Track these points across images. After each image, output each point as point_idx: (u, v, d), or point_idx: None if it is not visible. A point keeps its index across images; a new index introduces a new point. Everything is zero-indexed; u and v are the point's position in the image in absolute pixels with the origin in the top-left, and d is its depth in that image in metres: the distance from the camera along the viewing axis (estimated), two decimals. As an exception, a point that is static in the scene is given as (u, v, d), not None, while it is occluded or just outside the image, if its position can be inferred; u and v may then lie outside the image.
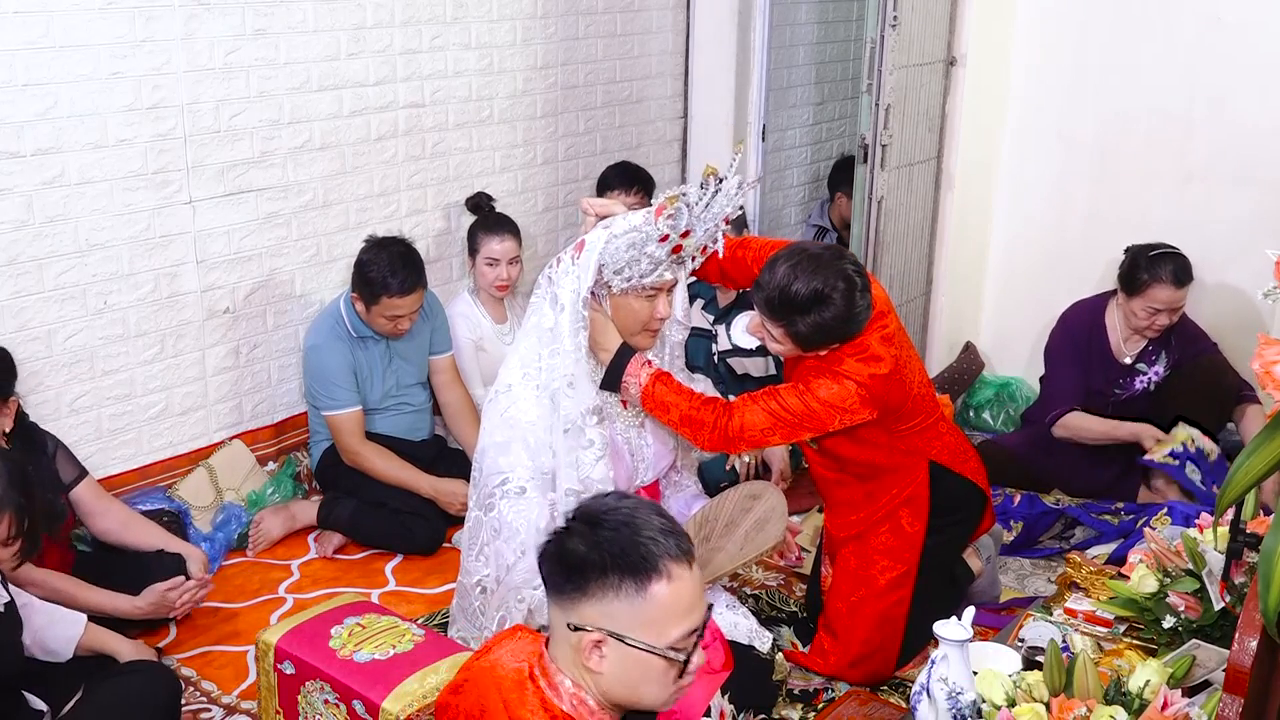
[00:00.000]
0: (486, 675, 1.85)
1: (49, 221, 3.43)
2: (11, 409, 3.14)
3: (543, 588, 1.82)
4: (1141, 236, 4.08)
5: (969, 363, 4.89)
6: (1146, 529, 2.78)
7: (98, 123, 3.47)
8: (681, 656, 1.74)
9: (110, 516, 3.36)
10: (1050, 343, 4.14)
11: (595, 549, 1.72)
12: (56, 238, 3.45)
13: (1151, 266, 3.85)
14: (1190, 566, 2.47)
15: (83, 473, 3.34)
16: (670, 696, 1.78)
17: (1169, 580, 2.49)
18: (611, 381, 2.63)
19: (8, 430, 3.12)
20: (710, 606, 1.81)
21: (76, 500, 3.30)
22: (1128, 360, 4.00)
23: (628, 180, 4.57)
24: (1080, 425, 3.96)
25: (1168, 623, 2.44)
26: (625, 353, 2.62)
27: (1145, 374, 4.00)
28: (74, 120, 3.41)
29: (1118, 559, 3.42)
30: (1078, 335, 4.05)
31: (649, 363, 2.65)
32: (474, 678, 1.88)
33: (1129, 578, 2.57)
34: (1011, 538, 3.84)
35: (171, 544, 3.39)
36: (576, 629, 1.73)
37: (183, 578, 3.26)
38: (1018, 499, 3.96)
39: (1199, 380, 3.95)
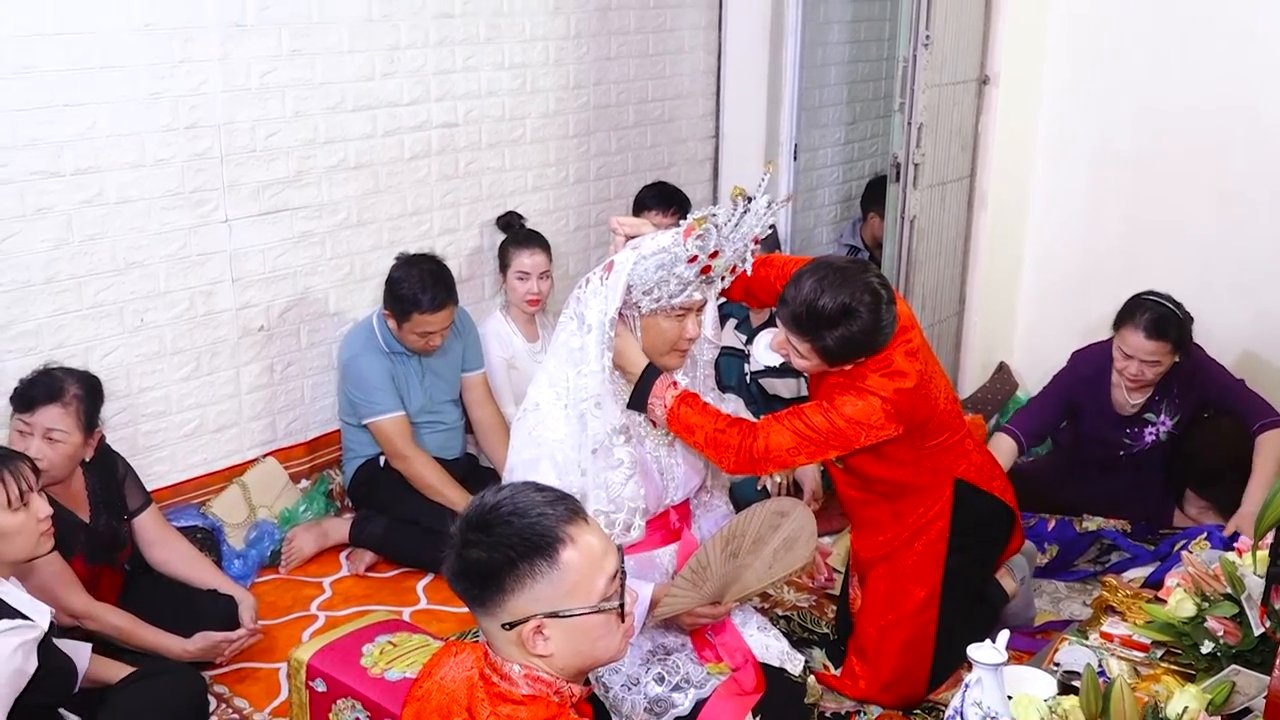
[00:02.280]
0: (438, 693, 1.86)
1: (88, 240, 3.46)
2: (95, 440, 3.16)
3: None
4: (1177, 257, 4.04)
5: (1002, 383, 4.86)
6: (1184, 552, 2.74)
7: (136, 142, 3.50)
8: (615, 604, 1.81)
9: (169, 548, 3.37)
10: (1055, 376, 4.07)
11: (496, 549, 1.76)
12: (95, 256, 3.49)
13: (1132, 309, 3.76)
14: (1229, 590, 2.44)
15: (148, 500, 3.36)
16: (624, 643, 1.85)
17: (1207, 604, 2.46)
18: (638, 402, 2.62)
19: (88, 460, 3.15)
20: (620, 550, 1.86)
21: (138, 528, 3.32)
22: (1132, 410, 3.90)
23: (664, 201, 4.58)
24: (997, 445, 3.87)
25: (1206, 648, 2.40)
26: (651, 373, 2.61)
27: (1154, 424, 3.89)
28: (113, 140, 3.45)
29: (1155, 582, 3.38)
30: (1078, 379, 3.96)
31: (675, 384, 2.63)
32: (423, 699, 1.88)
33: (1166, 601, 2.53)
34: (1047, 560, 3.80)
35: (225, 585, 3.40)
36: (512, 625, 1.77)
37: (237, 632, 3.26)
38: (1052, 523, 3.91)
39: (1222, 452, 3.81)
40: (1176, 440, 3.90)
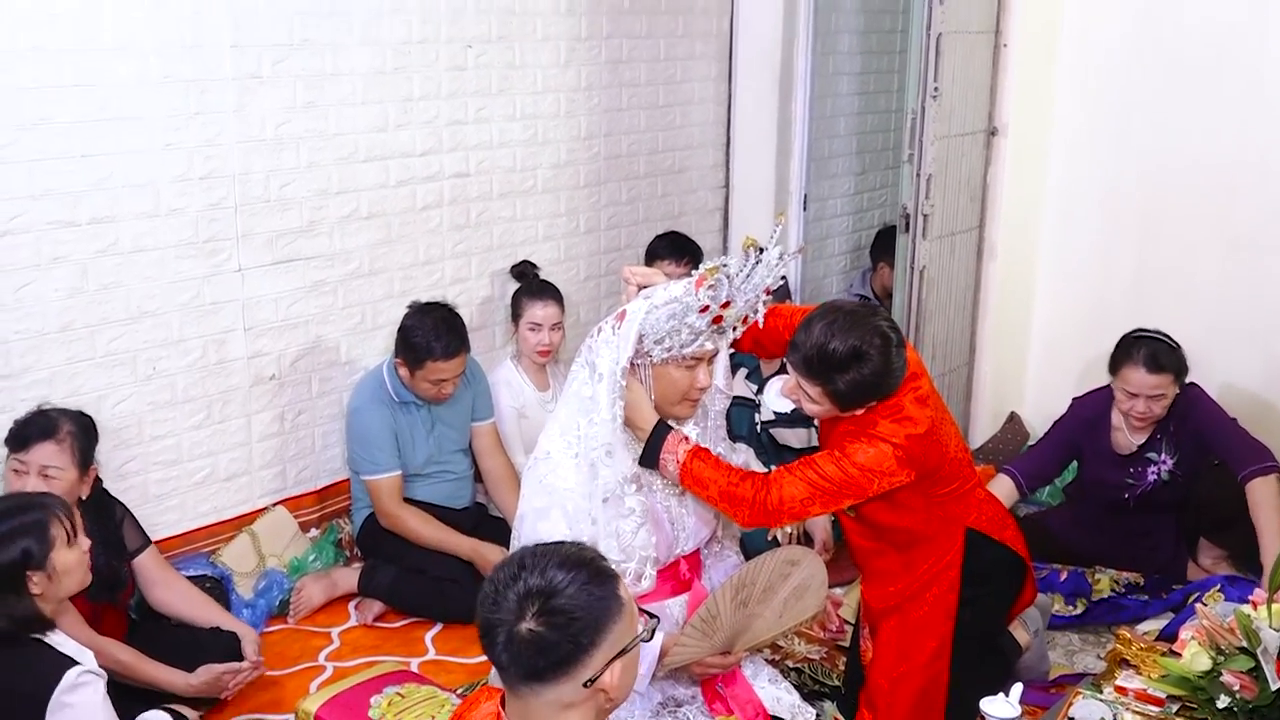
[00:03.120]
0: None
1: (102, 289, 3.49)
2: (90, 478, 3.19)
3: None
4: (1186, 305, 4.04)
5: (1013, 434, 4.84)
6: (1198, 605, 2.72)
7: (151, 192, 3.54)
8: (652, 622, 1.92)
9: (170, 588, 3.40)
10: (1056, 422, 4.08)
11: (580, 611, 1.77)
12: (109, 305, 3.51)
13: (1127, 348, 3.79)
14: (1244, 644, 2.41)
15: (147, 542, 3.39)
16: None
17: (1223, 658, 2.43)
18: (649, 458, 2.62)
19: (84, 497, 3.16)
20: None
21: (139, 569, 3.34)
22: (1133, 449, 3.89)
23: (676, 251, 4.60)
24: (992, 487, 3.79)
25: (1222, 702, 2.37)
26: (662, 430, 2.61)
27: (1155, 463, 3.88)
28: (128, 190, 3.49)
29: (1169, 635, 3.35)
30: (1078, 422, 3.98)
31: (686, 439, 2.63)
32: None
33: (1181, 655, 2.51)
34: (1074, 612, 3.77)
35: (227, 621, 3.41)
36: (594, 679, 1.78)
37: (240, 663, 3.27)
38: (1064, 574, 3.89)
39: (1233, 498, 3.73)
40: (1183, 485, 3.88)
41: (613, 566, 1.87)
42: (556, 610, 1.76)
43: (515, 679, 1.79)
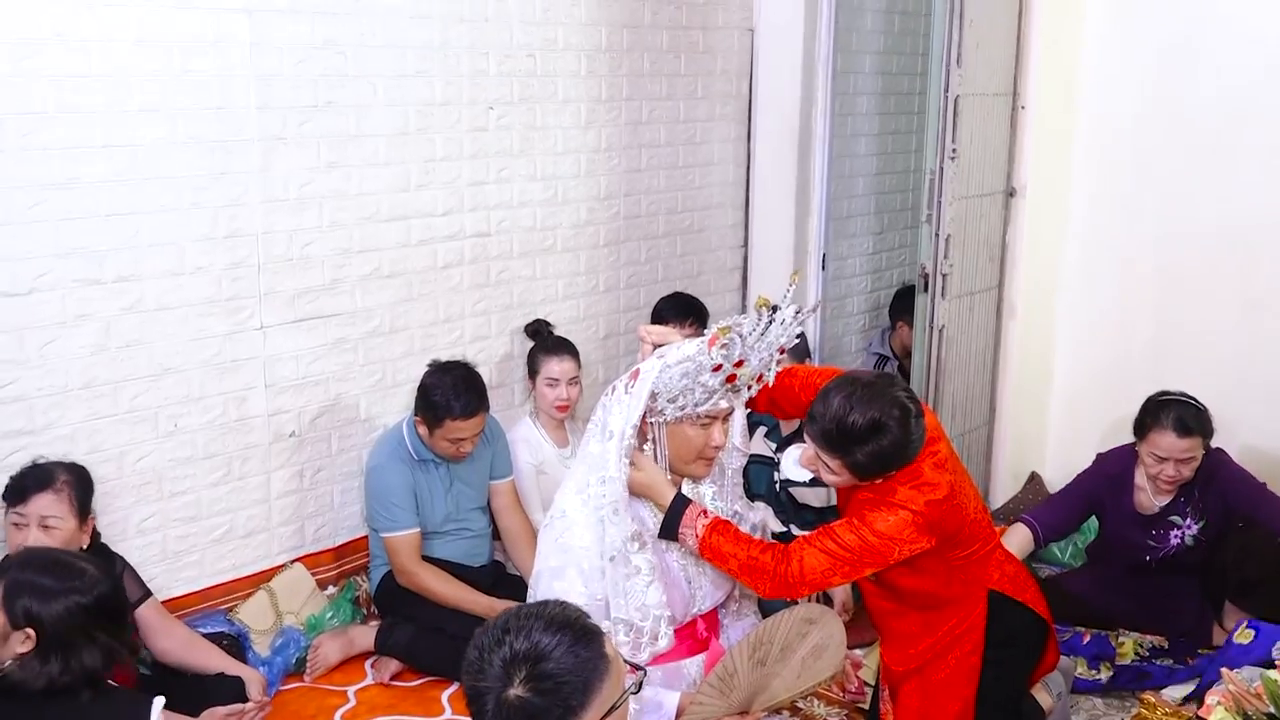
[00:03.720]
0: None
1: (125, 346, 3.52)
2: (89, 528, 3.20)
3: None
4: (1206, 365, 4.02)
5: (1034, 494, 4.80)
6: (1224, 670, 2.68)
7: (175, 251, 3.58)
8: (639, 675, 1.90)
9: (172, 637, 3.39)
10: (1078, 475, 4.05)
11: (568, 674, 1.75)
12: (132, 362, 3.54)
13: (1154, 411, 3.76)
14: (1271, 710, 2.38)
15: (147, 593, 3.39)
16: None
17: (1249, 723, 2.40)
18: (668, 532, 2.61)
19: (84, 547, 3.17)
20: None
21: (140, 619, 3.34)
22: (1156, 510, 3.86)
23: (681, 312, 4.61)
24: (1007, 538, 3.78)
25: (1249, 768, 2.33)
26: (680, 502, 2.61)
27: (1179, 527, 3.84)
28: (153, 249, 3.53)
29: (1195, 697, 3.30)
30: (1102, 478, 3.95)
31: (705, 512, 2.63)
32: None
33: (1206, 720, 2.47)
34: (1097, 677, 3.72)
35: (231, 666, 3.40)
36: None
37: (244, 705, 3.25)
38: (1087, 637, 3.84)
39: (1259, 561, 3.74)
40: (1207, 549, 3.84)
41: (605, 625, 1.86)
42: (544, 675, 1.75)
43: None
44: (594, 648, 1.80)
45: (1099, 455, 4.03)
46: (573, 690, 1.75)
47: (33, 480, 3.15)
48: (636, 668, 1.91)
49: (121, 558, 3.37)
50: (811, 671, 2.61)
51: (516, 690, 1.74)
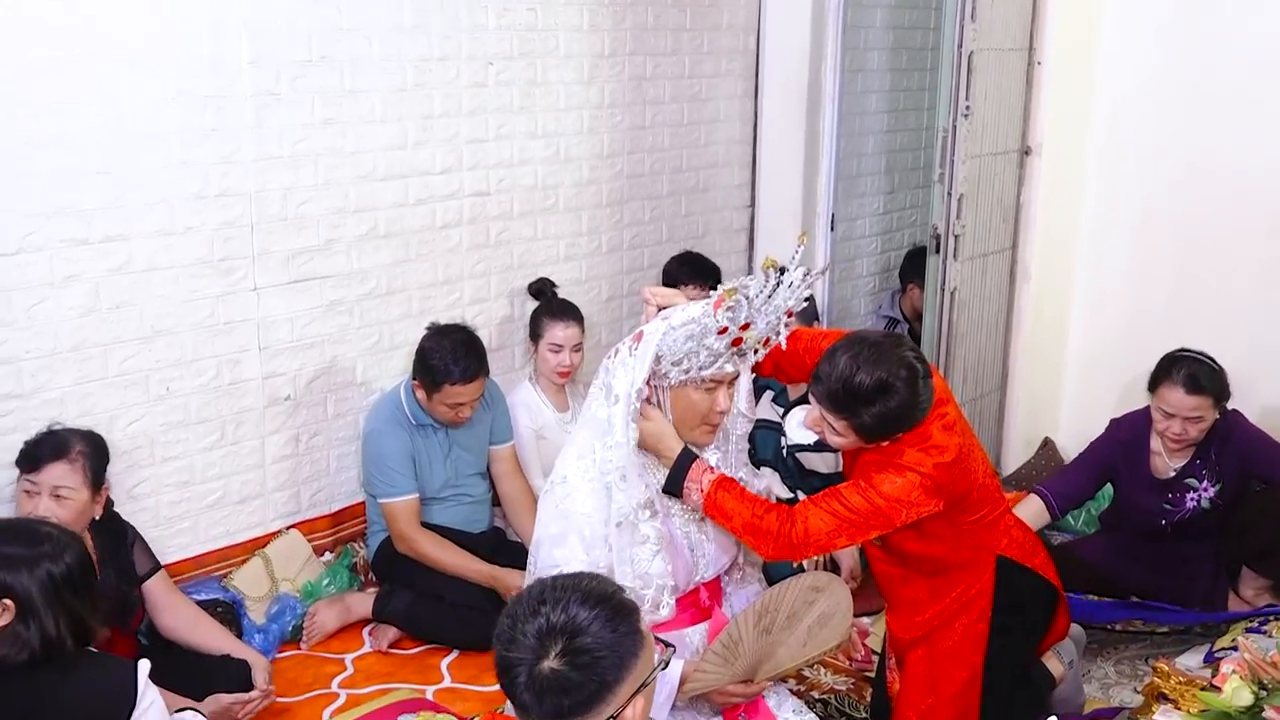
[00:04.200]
0: None
1: (115, 308, 3.51)
2: (102, 498, 3.21)
3: None
4: (1225, 327, 4.01)
5: (1047, 460, 4.81)
6: (1241, 639, 2.69)
7: (166, 210, 3.57)
8: (669, 651, 1.93)
9: (178, 614, 3.40)
10: (1093, 441, 4.06)
11: (605, 650, 1.76)
12: (122, 324, 3.53)
13: (1167, 366, 3.78)
14: (1287, 678, 2.39)
15: (157, 566, 3.40)
16: None
17: (1265, 694, 2.40)
18: (673, 486, 2.62)
19: (98, 518, 3.18)
20: None
21: (147, 593, 3.35)
22: (1171, 474, 3.87)
23: (694, 273, 4.60)
24: (1021, 509, 3.80)
25: (1263, 738, 2.34)
26: (686, 457, 2.61)
27: (1195, 490, 3.85)
28: (143, 207, 3.52)
29: (1209, 663, 3.31)
30: (1115, 443, 3.96)
31: (711, 468, 2.63)
32: None
33: (1222, 689, 2.48)
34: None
35: (237, 649, 3.41)
36: (615, 717, 1.78)
37: (250, 693, 3.26)
38: (1094, 603, 3.86)
39: (1276, 525, 3.73)
40: (1223, 513, 3.85)
41: (631, 597, 1.86)
42: (581, 650, 1.76)
43: (538, 718, 1.78)
44: (630, 623, 1.81)
45: (1112, 421, 4.03)
46: (609, 666, 1.76)
47: (48, 448, 3.14)
48: (665, 644, 1.93)
49: (133, 528, 3.37)
50: (818, 640, 2.63)
51: (551, 663, 1.75)
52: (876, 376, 2.61)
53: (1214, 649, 3.48)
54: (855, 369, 2.62)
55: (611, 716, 1.77)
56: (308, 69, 3.80)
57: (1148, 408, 3.88)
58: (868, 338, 2.72)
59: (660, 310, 2.65)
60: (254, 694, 3.27)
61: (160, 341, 3.63)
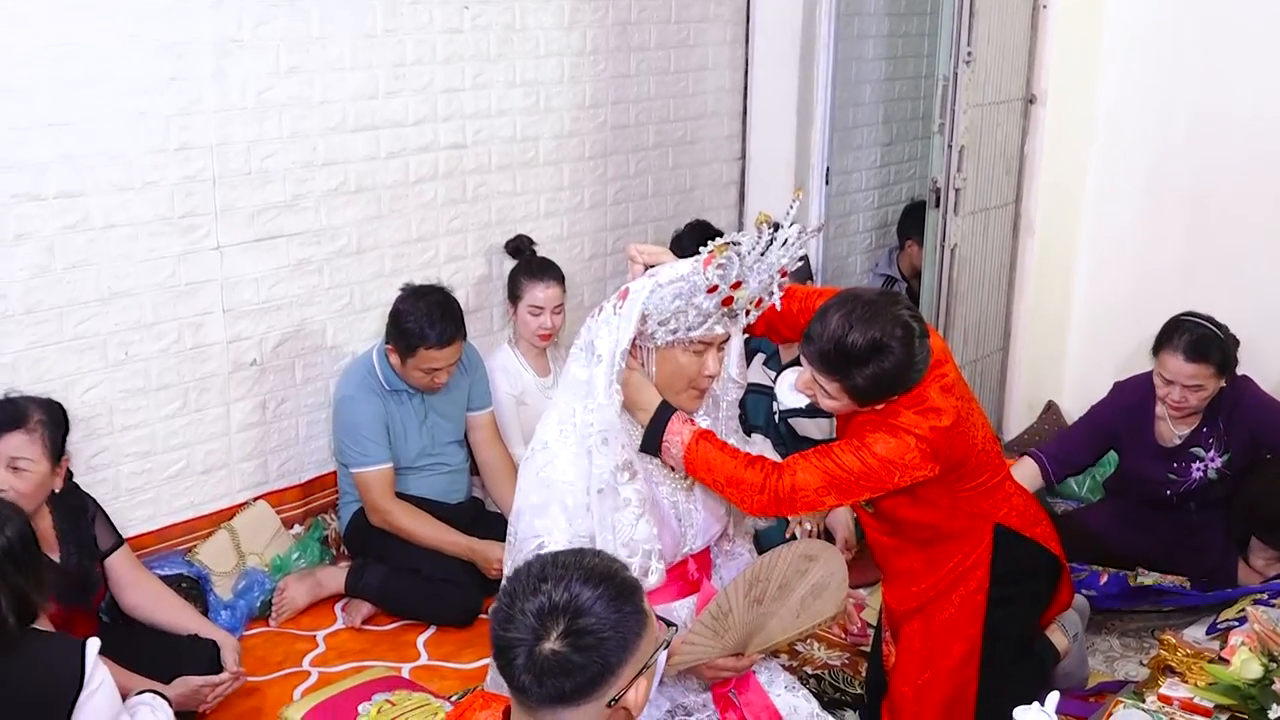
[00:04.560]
0: None
1: (70, 268, 3.48)
2: (62, 470, 3.18)
3: None
4: (1239, 287, 4.01)
5: (1050, 425, 4.82)
6: (1250, 609, 2.71)
7: (123, 165, 3.53)
8: (670, 629, 1.93)
9: (142, 590, 3.38)
10: (1095, 405, 4.07)
11: (609, 631, 1.76)
12: (77, 285, 3.51)
13: (1170, 330, 3.80)
14: (1299, 650, 2.40)
15: (120, 541, 3.37)
16: None
17: (1275, 666, 2.42)
18: (651, 442, 2.60)
19: (58, 490, 3.16)
20: None
21: (110, 569, 3.32)
22: (1177, 442, 3.88)
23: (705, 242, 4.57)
24: (1018, 470, 3.79)
25: (1274, 712, 2.36)
26: (665, 410, 2.60)
27: (1202, 460, 3.86)
28: (98, 161, 3.48)
29: (1217, 634, 3.34)
30: (1119, 408, 3.96)
31: (691, 420, 2.62)
32: None
33: (1230, 662, 2.49)
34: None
35: (205, 628, 3.40)
36: (618, 698, 1.78)
37: (219, 675, 3.25)
38: (1104, 577, 3.87)
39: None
40: (1232, 483, 3.86)
41: (633, 574, 1.85)
42: (584, 631, 1.75)
43: (536, 701, 1.77)
44: (634, 602, 1.80)
45: (1116, 384, 4.04)
46: (612, 648, 1.76)
47: (5, 417, 3.09)
48: (667, 623, 1.93)
49: (94, 501, 3.34)
50: (811, 611, 2.62)
51: (552, 644, 1.74)
52: (870, 336, 2.61)
53: (1217, 620, 3.51)
54: (848, 328, 2.62)
55: (613, 699, 1.77)
56: (272, 13, 3.76)
57: (1148, 372, 3.89)
58: (861, 295, 2.71)
59: (648, 269, 2.64)
60: (224, 676, 3.25)
61: (118, 303, 3.60)
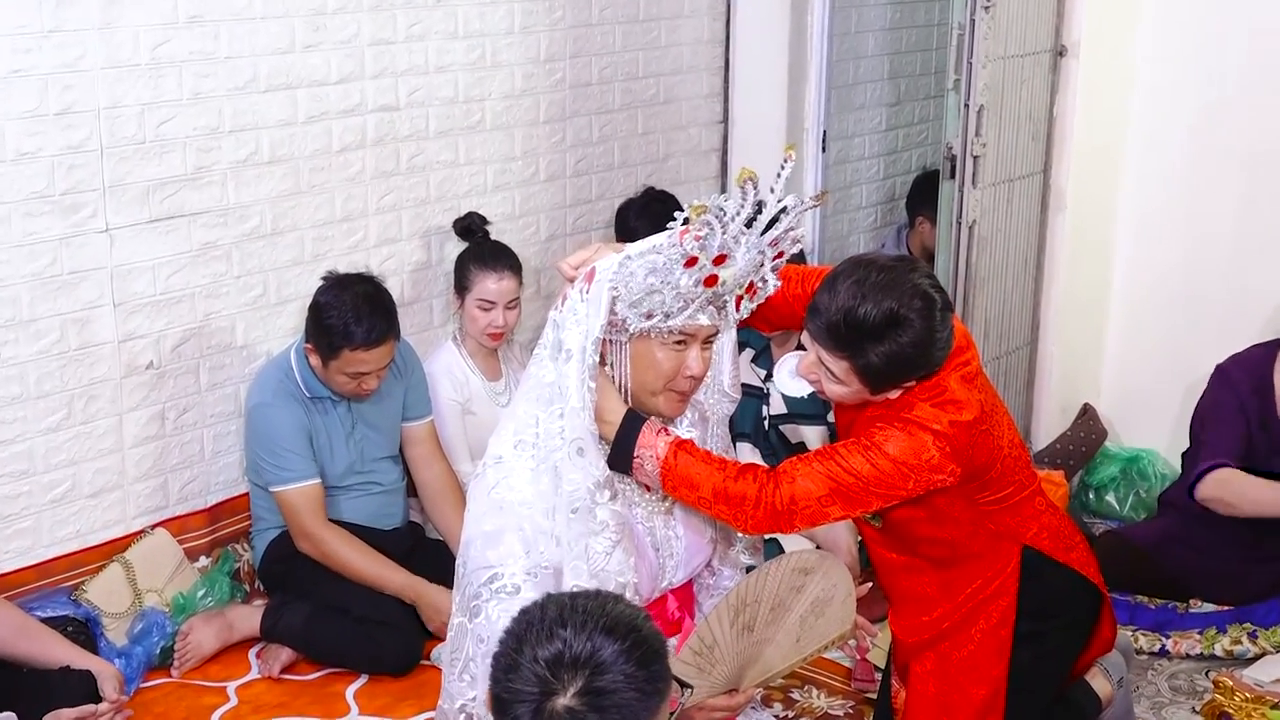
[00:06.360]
0: None
1: (-69, 255, 3.49)
2: None
3: None
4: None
5: (1087, 431, 4.86)
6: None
7: (-7, 132, 3.53)
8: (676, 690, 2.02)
9: (1, 622, 3.37)
10: (1203, 401, 4.04)
11: (633, 695, 1.78)
12: (-60, 275, 3.51)
13: None
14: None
15: None
16: None
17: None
18: (620, 459, 2.55)
19: None
20: None
21: None
22: None
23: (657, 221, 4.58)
24: (1239, 487, 3.76)
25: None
26: (633, 421, 2.55)
27: None
28: (-37, 129, 3.48)
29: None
30: (1240, 393, 3.93)
31: (665, 429, 2.58)
32: None
33: (1294, 705, 2.53)
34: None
35: (77, 659, 3.40)
36: None
37: (93, 706, 3.25)
38: (1152, 608, 3.90)
39: None
40: None
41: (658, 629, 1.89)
42: (605, 690, 1.77)
43: None
44: (662, 663, 1.83)
45: (1218, 369, 4.02)
46: (634, 712, 1.78)
47: None
48: (683, 684, 1.97)
49: None
50: (815, 632, 2.60)
51: (567, 700, 1.77)
52: (885, 307, 2.61)
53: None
54: (860, 298, 2.61)
55: None
56: (168, -47, 3.77)
57: (1261, 346, 3.89)
58: (876, 261, 2.70)
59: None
60: (102, 706, 3.26)
61: (-11, 297, 3.60)
